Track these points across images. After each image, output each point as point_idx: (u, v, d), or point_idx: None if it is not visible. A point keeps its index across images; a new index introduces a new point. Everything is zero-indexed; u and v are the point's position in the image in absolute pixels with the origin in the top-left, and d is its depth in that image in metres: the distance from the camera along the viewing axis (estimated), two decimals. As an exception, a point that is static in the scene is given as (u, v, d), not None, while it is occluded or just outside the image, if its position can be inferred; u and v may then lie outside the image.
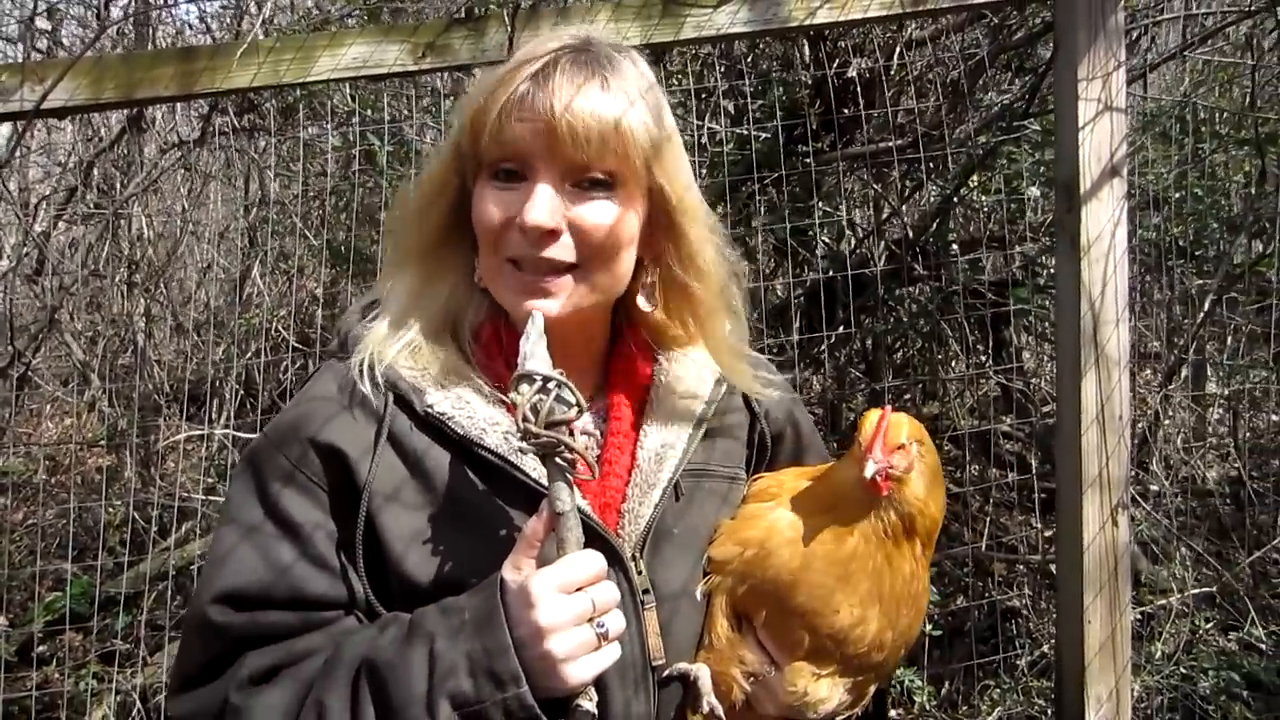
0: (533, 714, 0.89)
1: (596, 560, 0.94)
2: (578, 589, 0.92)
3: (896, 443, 1.00)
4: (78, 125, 4.03)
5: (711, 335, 1.14)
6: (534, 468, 1.01)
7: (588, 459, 0.95)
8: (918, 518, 1.02)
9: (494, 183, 1.03)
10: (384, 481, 1.00)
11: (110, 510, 3.31)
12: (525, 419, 0.92)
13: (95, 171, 3.86)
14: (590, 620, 0.92)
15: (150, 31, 3.83)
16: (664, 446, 1.09)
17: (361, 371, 1.04)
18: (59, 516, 3.56)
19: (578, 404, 0.94)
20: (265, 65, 2.12)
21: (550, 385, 0.93)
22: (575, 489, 0.96)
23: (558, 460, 0.94)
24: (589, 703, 0.93)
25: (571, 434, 0.94)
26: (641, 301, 1.12)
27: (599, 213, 1.02)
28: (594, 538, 1.00)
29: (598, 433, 1.12)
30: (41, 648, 3.38)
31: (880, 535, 1.01)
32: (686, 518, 1.09)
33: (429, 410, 1.02)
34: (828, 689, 1.04)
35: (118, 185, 3.64)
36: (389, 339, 1.06)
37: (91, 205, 3.82)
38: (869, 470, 0.97)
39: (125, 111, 3.43)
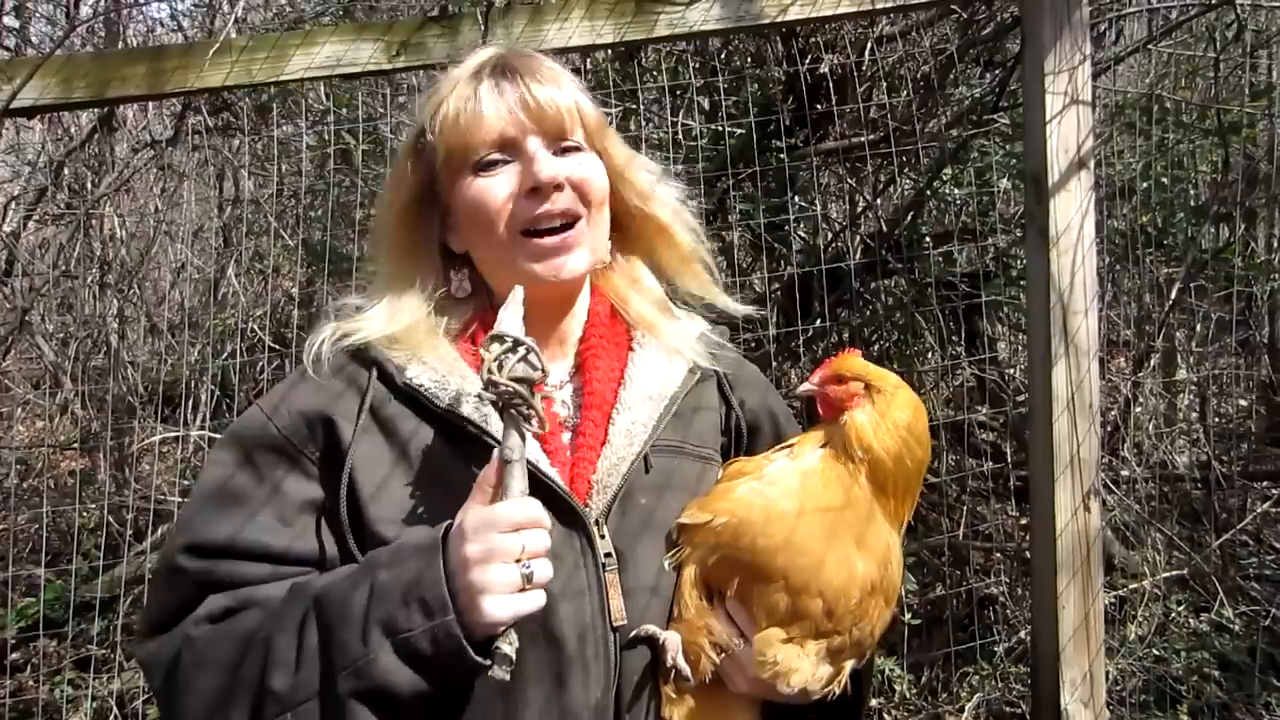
0: (458, 644, 0.92)
1: (533, 506, 0.98)
2: (512, 530, 0.95)
3: (837, 373, 1.09)
4: (47, 124, 3.97)
5: (677, 252, 1.26)
6: (499, 428, 1.06)
7: (542, 414, 1.00)
8: (856, 447, 1.06)
9: (479, 175, 1.12)
10: (365, 450, 1.06)
11: (84, 514, 3.27)
12: (490, 371, 0.98)
13: (66, 171, 3.81)
14: (518, 561, 0.95)
15: (121, 30, 3.78)
16: (635, 423, 1.14)
17: (345, 347, 1.12)
18: (31, 521, 3.52)
19: (542, 370, 1.00)
20: (238, 64, 2.12)
21: (520, 347, 0.99)
22: (526, 442, 1.00)
23: (514, 412, 0.98)
24: (509, 646, 0.94)
25: (533, 394, 0.99)
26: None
27: (587, 164, 1.15)
28: (559, 504, 1.05)
29: (570, 406, 1.17)
30: (15, 655, 3.34)
31: (836, 475, 1.06)
32: (656, 491, 1.12)
33: (408, 382, 1.08)
34: (798, 657, 1.04)
35: (89, 185, 3.60)
36: (371, 328, 1.14)
37: (62, 205, 3.77)
38: (801, 387, 1.11)
39: (96, 110, 3.39)
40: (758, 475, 1.09)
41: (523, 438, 0.99)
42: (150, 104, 3.62)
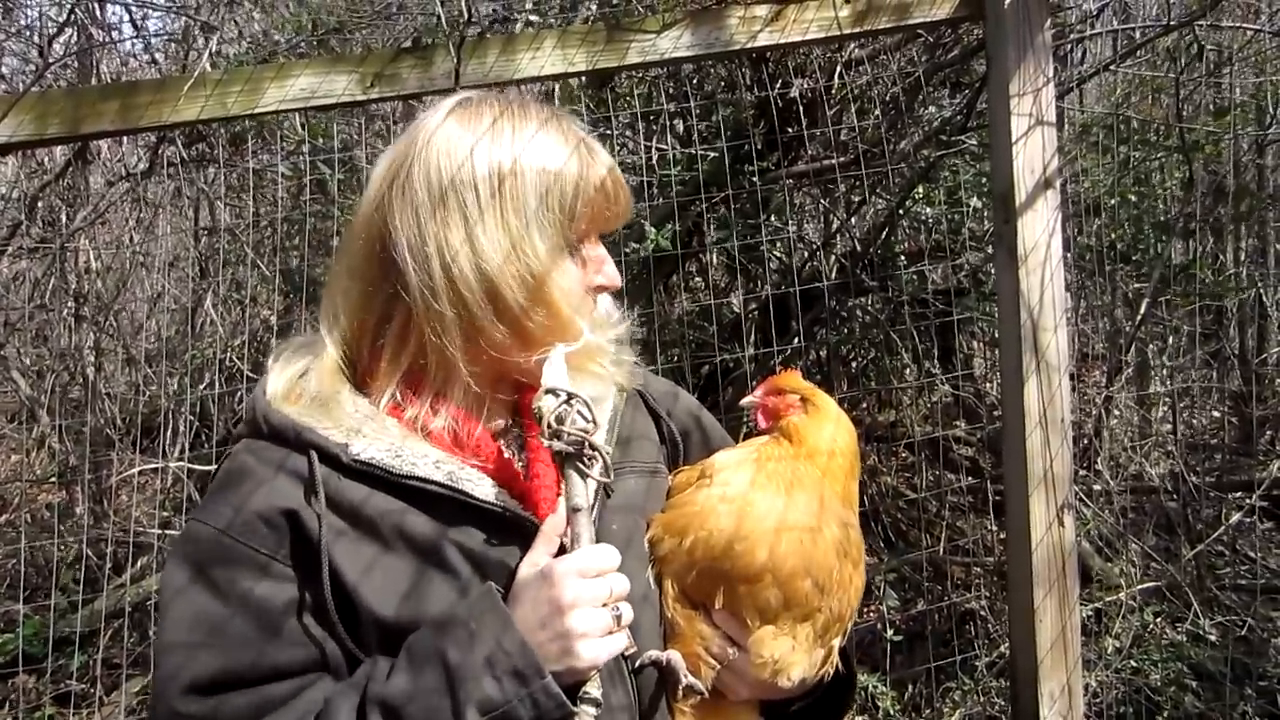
0: (559, 700, 0.92)
1: (612, 553, 1.00)
2: (597, 575, 0.97)
3: (776, 389, 1.20)
4: (21, 159, 3.96)
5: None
6: (474, 487, 1.05)
7: (608, 462, 1.02)
8: (793, 433, 1.16)
9: (572, 257, 1.10)
10: (336, 538, 1.01)
11: (62, 548, 3.24)
12: (550, 425, 1.01)
13: (40, 205, 3.79)
14: (606, 605, 0.97)
15: (94, 64, 3.78)
16: None
17: (278, 436, 1.05)
18: (9, 556, 3.48)
19: (594, 421, 1.03)
20: (212, 98, 2.13)
21: (573, 401, 1.02)
22: (590, 490, 1.02)
23: (579, 462, 1.01)
24: (596, 690, 0.96)
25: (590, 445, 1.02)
26: None
27: None
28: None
29: (515, 451, 1.16)
30: (-7, 692, 3.30)
31: (780, 454, 1.14)
32: (623, 513, 1.13)
33: (356, 459, 1.02)
34: (793, 649, 1.06)
35: (63, 218, 3.58)
36: (308, 404, 1.07)
37: (37, 239, 3.75)
38: (744, 400, 1.21)
39: (70, 145, 3.39)
40: (709, 479, 1.13)
41: (587, 486, 1.02)
42: (124, 137, 3.61)
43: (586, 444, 1.01)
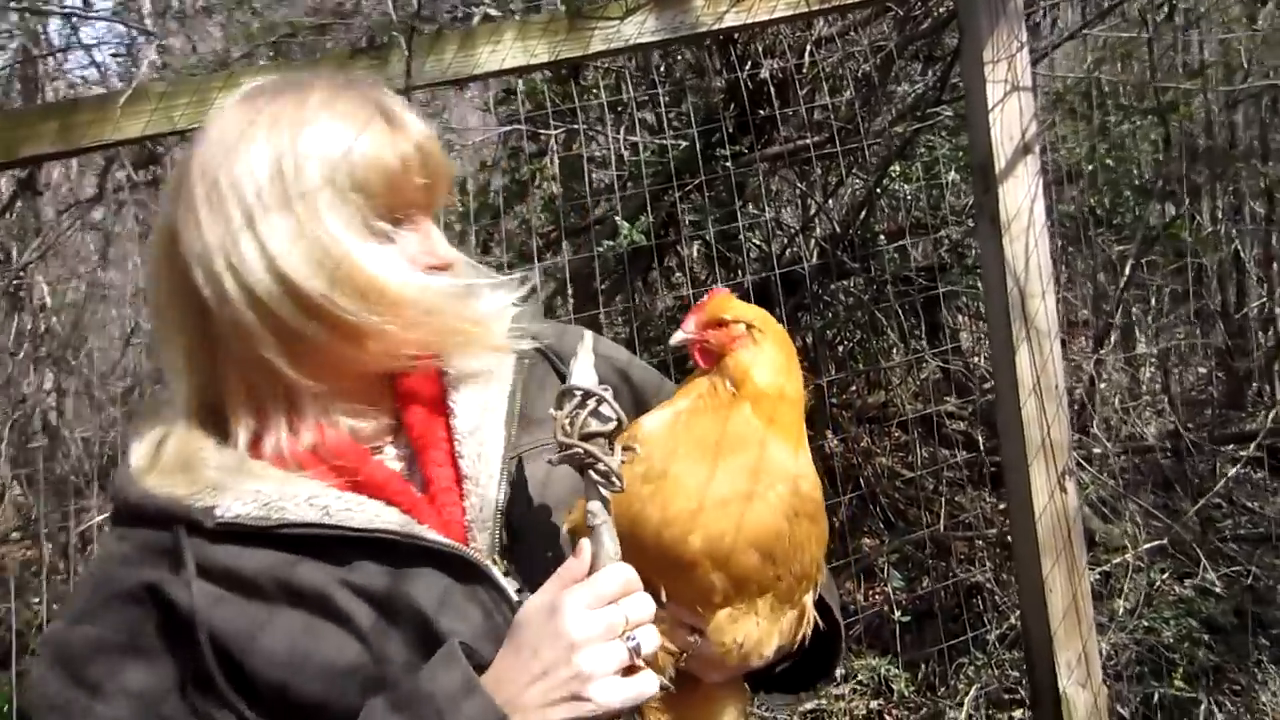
0: None
1: (626, 571, 0.89)
2: (610, 602, 0.87)
3: (715, 318, 1.00)
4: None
5: None
6: (352, 516, 0.94)
7: (617, 471, 0.90)
8: (738, 374, 0.98)
9: (383, 243, 0.98)
10: (211, 605, 0.91)
11: (31, 609, 3.07)
12: (564, 430, 0.91)
13: (-10, 241, 3.65)
14: (621, 635, 0.86)
15: (39, 87, 3.65)
16: (482, 445, 1.03)
17: (139, 516, 0.95)
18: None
19: (617, 418, 0.92)
20: (158, 112, 2.03)
21: (589, 400, 0.91)
22: (608, 504, 0.90)
23: (591, 474, 0.90)
24: None
25: (611, 448, 0.91)
26: None
27: None
28: (449, 561, 0.95)
29: (405, 458, 1.05)
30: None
31: (715, 408, 0.98)
32: (532, 502, 1.03)
33: (219, 521, 0.92)
34: (757, 626, 0.97)
35: (14, 253, 3.43)
36: (163, 471, 0.97)
37: (-13, 277, 3.61)
38: (675, 337, 1.00)
39: (16, 173, 3.26)
40: (630, 454, 0.97)
41: (603, 501, 0.90)
42: (75, 164, 3.50)
43: (589, 454, 0.89)
